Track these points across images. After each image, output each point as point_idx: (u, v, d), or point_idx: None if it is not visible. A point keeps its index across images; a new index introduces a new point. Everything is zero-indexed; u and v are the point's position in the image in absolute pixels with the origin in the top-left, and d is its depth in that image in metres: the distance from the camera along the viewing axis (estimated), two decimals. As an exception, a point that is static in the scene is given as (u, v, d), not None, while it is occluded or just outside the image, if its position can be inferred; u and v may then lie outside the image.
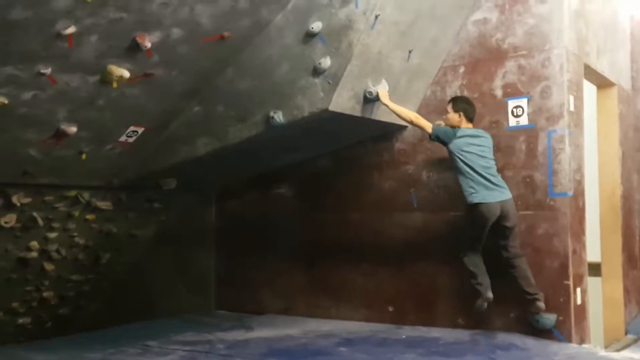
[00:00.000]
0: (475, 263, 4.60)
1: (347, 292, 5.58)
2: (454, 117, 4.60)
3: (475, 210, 4.44)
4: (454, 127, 4.56)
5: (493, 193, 4.43)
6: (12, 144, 4.27)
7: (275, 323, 5.58)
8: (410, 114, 4.65)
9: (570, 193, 4.65)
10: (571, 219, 4.65)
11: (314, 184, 5.87)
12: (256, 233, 6.19)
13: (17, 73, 3.68)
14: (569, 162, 4.65)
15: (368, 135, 5.39)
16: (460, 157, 4.47)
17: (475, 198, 4.41)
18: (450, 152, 4.52)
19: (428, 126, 4.57)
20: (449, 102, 4.70)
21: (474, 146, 4.50)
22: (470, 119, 4.63)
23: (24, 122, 4.11)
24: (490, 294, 4.55)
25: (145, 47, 3.93)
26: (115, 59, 3.98)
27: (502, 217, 4.45)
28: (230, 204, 6.43)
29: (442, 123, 4.72)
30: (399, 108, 4.63)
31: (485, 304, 4.58)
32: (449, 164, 4.78)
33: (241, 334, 5.17)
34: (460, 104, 4.64)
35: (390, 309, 5.35)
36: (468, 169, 4.45)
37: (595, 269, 5.71)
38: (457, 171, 4.51)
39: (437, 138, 4.54)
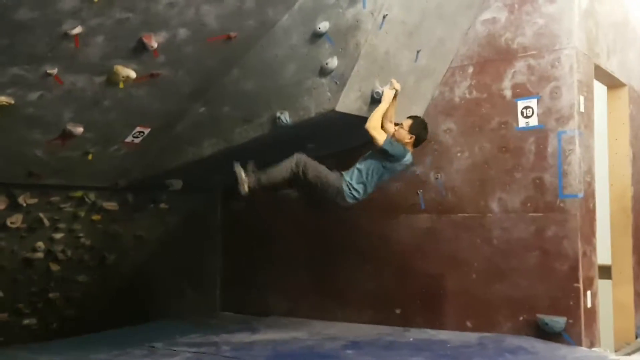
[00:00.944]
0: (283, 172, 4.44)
1: (354, 294, 5.55)
2: (405, 135, 4.46)
3: (340, 192, 4.41)
4: (398, 142, 4.43)
5: (352, 201, 4.47)
6: (19, 145, 4.26)
7: (280, 325, 5.55)
8: (372, 122, 4.37)
9: (581, 195, 4.60)
10: (581, 221, 4.60)
11: (320, 185, 5.82)
12: (262, 234, 6.16)
13: (23, 73, 3.67)
14: (579, 163, 4.60)
15: (365, 130, 5.34)
16: (383, 173, 4.46)
17: (348, 196, 4.43)
18: (382, 160, 4.40)
19: (381, 137, 4.36)
20: (409, 118, 4.55)
21: (391, 174, 4.53)
22: (416, 146, 4.55)
23: (30, 122, 4.09)
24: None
25: (152, 47, 3.91)
26: (121, 60, 3.96)
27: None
28: (236, 205, 6.40)
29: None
30: (378, 114, 4.41)
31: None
32: (457, 165, 4.75)
33: (247, 336, 5.14)
34: (418, 127, 4.49)
35: (397, 311, 5.30)
36: (372, 182, 4.44)
37: (605, 272, 5.65)
38: (366, 171, 4.42)
39: (387, 151, 4.37)
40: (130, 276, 5.99)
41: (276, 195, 4.63)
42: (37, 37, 3.47)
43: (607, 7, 5.32)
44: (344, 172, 4.48)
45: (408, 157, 4.50)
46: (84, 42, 3.66)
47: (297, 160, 4.43)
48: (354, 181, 4.44)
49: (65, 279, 5.52)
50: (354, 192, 4.44)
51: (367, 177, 4.44)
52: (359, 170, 4.45)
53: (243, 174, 4.40)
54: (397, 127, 4.54)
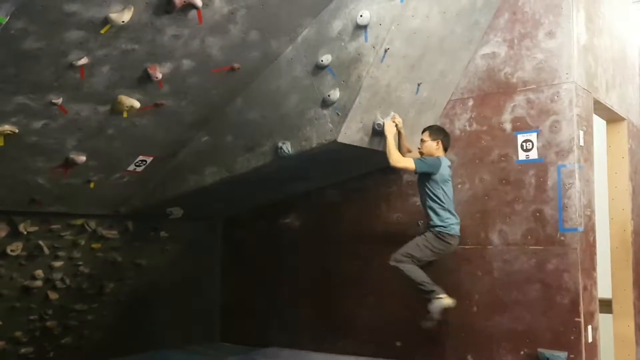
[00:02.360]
0: (416, 270, 4.44)
1: (354, 325, 5.51)
2: (431, 145, 4.55)
3: (445, 238, 4.44)
4: (431, 156, 4.52)
5: (458, 227, 4.52)
6: (21, 173, 4.27)
7: (280, 356, 5.50)
8: (393, 158, 4.45)
9: (581, 228, 4.61)
10: (582, 255, 4.59)
11: (321, 215, 5.84)
12: (262, 264, 6.14)
13: (28, 102, 3.70)
14: (579, 197, 4.62)
15: (376, 167, 5.37)
16: (444, 187, 4.47)
17: (453, 230, 4.45)
18: (430, 181, 4.45)
19: (410, 163, 4.44)
20: (424, 130, 4.65)
21: (450, 178, 4.55)
22: (446, 148, 4.62)
23: (34, 150, 4.11)
24: (442, 295, 4.40)
25: (156, 77, 3.95)
26: (126, 89, 4.00)
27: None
28: (237, 234, 6.41)
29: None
30: (392, 147, 4.48)
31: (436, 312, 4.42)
32: (458, 197, 4.75)
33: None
34: (438, 132, 4.62)
35: (398, 344, 5.26)
36: (448, 200, 4.47)
37: (606, 306, 5.63)
38: (433, 200, 4.45)
39: (425, 170, 4.44)
40: (129, 305, 5.94)
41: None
42: (43, 66, 3.51)
43: (606, 42, 5.40)
44: (442, 224, 4.45)
45: (444, 161, 4.52)
46: (90, 72, 3.70)
47: (400, 257, 4.45)
48: (440, 217, 4.43)
49: (63, 308, 5.47)
50: (448, 222, 4.43)
51: (441, 203, 4.44)
52: (430, 208, 4.47)
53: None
54: (420, 145, 4.62)
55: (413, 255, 4.45)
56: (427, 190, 4.49)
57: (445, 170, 4.51)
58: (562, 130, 4.68)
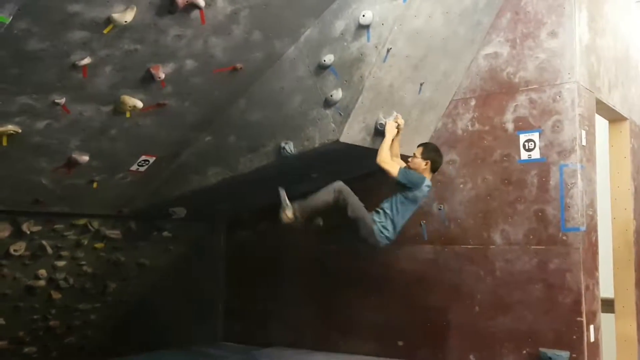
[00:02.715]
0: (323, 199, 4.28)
1: (356, 325, 5.51)
2: (420, 163, 4.43)
3: (374, 234, 4.32)
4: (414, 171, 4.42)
5: (385, 241, 4.41)
6: (24, 173, 4.29)
7: (282, 356, 5.51)
8: (381, 156, 4.37)
9: (583, 228, 4.61)
10: (584, 255, 4.59)
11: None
12: (265, 264, 6.15)
13: (31, 102, 3.71)
14: (582, 196, 4.61)
15: (378, 167, 5.37)
16: (408, 206, 4.37)
17: (382, 238, 4.36)
18: (402, 192, 4.35)
19: (394, 168, 4.34)
20: (419, 146, 4.55)
21: (419, 202, 4.44)
22: (434, 170, 4.51)
23: (37, 151, 4.13)
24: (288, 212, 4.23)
25: (159, 78, 3.96)
26: (129, 90, 4.01)
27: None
28: (240, 234, 6.41)
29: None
30: (385, 147, 4.42)
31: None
32: (460, 197, 4.76)
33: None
34: (431, 152, 4.48)
35: (400, 343, 5.26)
36: (400, 219, 4.37)
37: (608, 305, 5.62)
38: (391, 208, 4.35)
39: (403, 182, 4.32)
40: (131, 304, 5.96)
41: (310, 225, 4.51)
42: (46, 67, 3.52)
43: (609, 42, 5.39)
44: (373, 213, 4.39)
45: (427, 182, 4.39)
46: (93, 73, 3.72)
47: (338, 187, 4.29)
48: (382, 221, 4.35)
49: (66, 307, 5.49)
50: (385, 232, 4.35)
51: (392, 214, 4.35)
52: (384, 210, 4.38)
53: (287, 200, 4.26)
54: (410, 158, 4.52)
55: (344, 201, 4.26)
56: (396, 200, 4.38)
57: (421, 192, 4.38)
58: (564, 130, 4.68)
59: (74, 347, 5.76)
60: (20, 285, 5.05)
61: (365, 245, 4.45)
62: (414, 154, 4.53)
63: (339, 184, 4.32)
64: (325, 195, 4.28)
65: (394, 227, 4.39)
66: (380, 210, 4.40)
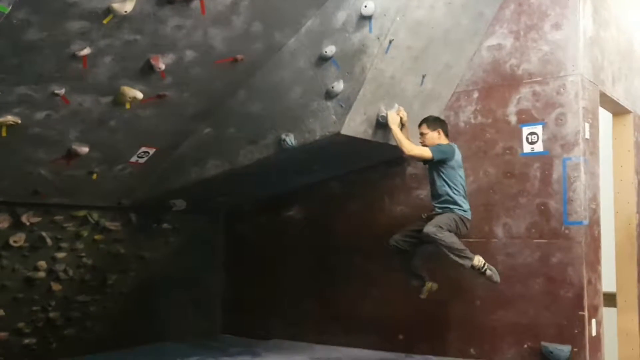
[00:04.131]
0: (453, 237, 4.33)
1: (357, 318, 5.50)
2: (433, 135, 4.50)
3: (466, 223, 4.42)
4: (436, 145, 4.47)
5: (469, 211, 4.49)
6: (23, 164, 4.26)
7: (282, 349, 5.50)
8: (406, 147, 4.41)
9: (586, 222, 4.58)
10: (586, 249, 4.57)
11: (324, 207, 5.82)
12: (265, 256, 6.13)
13: (30, 93, 3.68)
14: (584, 190, 4.58)
15: (380, 159, 5.35)
16: (459, 173, 4.45)
17: (467, 214, 4.42)
18: (446, 168, 4.39)
19: (426, 152, 4.39)
20: (421, 123, 4.58)
21: (462, 163, 4.55)
22: (447, 135, 4.59)
23: (36, 142, 4.10)
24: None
25: (159, 68, 3.93)
26: (128, 80, 3.97)
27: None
28: (240, 227, 6.39)
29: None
30: (401, 136, 4.46)
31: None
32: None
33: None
34: (435, 122, 4.57)
35: (401, 337, 5.25)
36: (462, 186, 4.46)
37: (610, 300, 5.61)
38: (450, 186, 4.39)
39: (442, 157, 4.38)
40: (131, 297, 5.94)
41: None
42: (45, 57, 3.49)
43: (612, 35, 5.35)
44: (457, 209, 4.40)
45: (455, 147, 4.51)
46: (92, 63, 3.68)
47: (427, 232, 4.30)
48: (459, 204, 4.39)
49: (66, 299, 5.47)
50: (467, 208, 4.43)
51: (457, 189, 4.40)
52: (448, 194, 4.39)
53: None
54: (420, 139, 4.55)
55: (448, 226, 4.32)
56: (443, 177, 4.41)
57: (458, 155, 4.49)
58: (567, 122, 4.64)
59: (74, 339, 5.73)
60: (19, 277, 5.03)
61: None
62: (421, 132, 4.56)
63: (435, 229, 4.29)
64: (450, 237, 4.28)
65: (465, 197, 4.44)
66: (449, 197, 4.38)
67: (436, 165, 4.43)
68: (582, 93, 4.64)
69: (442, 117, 5.05)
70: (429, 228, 4.26)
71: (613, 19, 5.39)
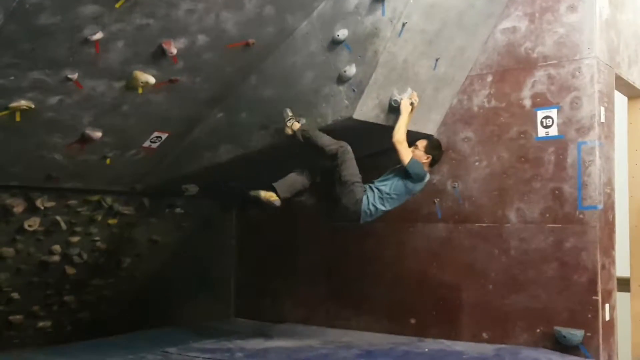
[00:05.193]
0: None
1: (368, 303, 5.52)
2: (421, 156, 4.49)
3: (357, 204, 4.36)
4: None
5: (366, 216, 4.44)
6: (38, 149, 4.28)
7: (295, 332, 5.53)
8: (399, 136, 4.38)
9: (600, 206, 4.55)
10: (600, 233, 4.54)
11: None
12: (277, 241, 6.15)
13: (43, 78, 3.69)
14: (599, 174, 4.54)
15: (392, 144, 5.31)
16: (405, 196, 4.47)
17: (364, 214, 4.41)
18: (402, 179, 4.40)
19: (407, 155, 4.37)
20: (426, 139, 4.61)
21: (409, 195, 4.54)
22: (431, 166, 4.58)
23: (50, 126, 4.12)
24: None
25: (171, 53, 3.92)
26: (140, 65, 3.97)
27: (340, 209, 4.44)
28: (252, 211, 6.40)
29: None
30: (403, 126, 4.42)
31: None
32: (475, 175, 4.73)
33: (261, 343, 5.13)
34: (434, 149, 4.57)
35: (412, 321, 5.26)
36: (392, 202, 4.44)
37: (623, 285, 5.58)
38: (387, 190, 4.41)
39: (411, 171, 4.37)
40: (145, 280, 6.00)
41: (294, 199, 4.62)
42: (58, 42, 3.49)
43: (629, 17, 5.27)
44: (367, 186, 4.44)
45: (427, 177, 4.53)
46: (104, 48, 3.68)
47: (345, 146, 4.38)
48: (376, 199, 4.40)
49: (80, 282, 5.53)
50: (372, 209, 4.40)
51: (387, 196, 4.42)
52: (379, 189, 4.44)
53: (290, 115, 4.49)
54: (412, 149, 4.50)
55: (346, 158, 4.36)
56: (395, 180, 4.44)
57: (420, 186, 4.52)
58: (582, 106, 4.59)
59: (88, 322, 5.81)
60: (34, 261, 5.09)
61: (340, 219, 4.57)
62: (417, 145, 4.54)
63: (347, 145, 4.39)
64: (329, 141, 4.39)
65: (384, 209, 4.46)
66: (375, 190, 4.44)
67: (402, 171, 4.42)
68: (598, 76, 4.59)
69: (455, 101, 5.03)
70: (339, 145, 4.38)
71: (629, 1, 5.30)
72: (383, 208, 4.44)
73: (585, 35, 4.62)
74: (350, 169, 4.37)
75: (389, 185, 4.44)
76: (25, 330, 5.44)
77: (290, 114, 4.53)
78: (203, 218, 6.16)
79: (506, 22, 4.93)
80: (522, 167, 4.80)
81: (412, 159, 4.38)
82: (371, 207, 4.40)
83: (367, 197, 4.39)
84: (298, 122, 4.51)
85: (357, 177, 4.40)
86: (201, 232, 6.20)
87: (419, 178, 4.44)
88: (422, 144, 4.55)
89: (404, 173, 4.41)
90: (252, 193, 4.42)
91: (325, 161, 4.43)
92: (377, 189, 4.45)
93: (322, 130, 4.52)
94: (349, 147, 4.39)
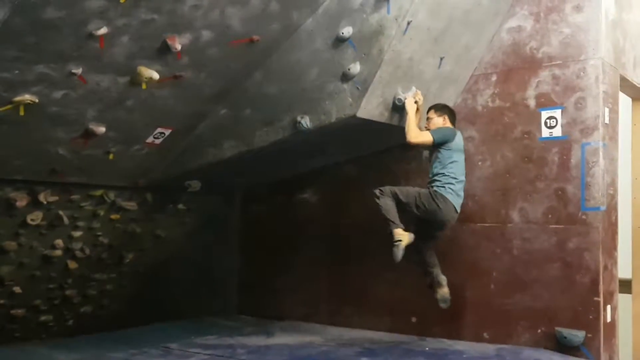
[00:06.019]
0: (390, 206, 4.43)
1: (370, 300, 5.51)
2: (438, 120, 4.56)
3: (437, 199, 4.38)
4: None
5: (458, 200, 4.47)
6: (42, 143, 4.29)
7: (296, 329, 5.54)
8: (412, 135, 4.42)
9: (603, 207, 4.54)
10: (603, 234, 4.53)
11: (339, 190, 5.81)
12: (279, 238, 6.15)
13: (48, 72, 3.69)
14: (603, 175, 4.53)
15: (395, 142, 5.29)
16: (457, 156, 4.48)
17: (448, 194, 4.40)
18: (444, 150, 4.43)
19: (427, 136, 4.43)
20: (430, 109, 4.64)
21: (464, 149, 4.58)
22: (452, 122, 4.61)
23: (54, 121, 4.12)
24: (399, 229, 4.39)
25: (176, 49, 3.92)
26: (145, 60, 3.97)
27: (444, 223, 4.52)
28: (255, 208, 6.41)
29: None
30: (412, 124, 4.44)
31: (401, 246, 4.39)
32: (479, 174, 4.71)
33: (262, 340, 5.13)
34: (443, 108, 4.63)
35: (414, 319, 5.26)
36: (458, 170, 4.46)
37: (625, 286, 5.57)
38: (443, 166, 4.42)
39: (441, 139, 4.42)
40: (147, 276, 6.00)
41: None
42: (63, 36, 3.49)
43: (635, 17, 5.25)
44: (432, 187, 4.44)
45: (457, 132, 4.55)
46: (109, 43, 3.68)
47: (382, 191, 4.46)
48: (441, 181, 4.41)
49: (82, 277, 5.54)
50: (448, 187, 4.40)
51: (448, 171, 4.42)
52: (438, 173, 4.44)
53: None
54: (426, 123, 4.61)
55: (397, 195, 4.43)
56: (439, 157, 4.45)
57: (459, 139, 4.54)
58: (587, 107, 4.58)
59: (90, 316, 5.82)
60: (37, 255, 5.10)
61: (443, 225, 4.55)
62: (428, 117, 4.62)
63: (378, 190, 4.46)
64: (385, 203, 4.42)
65: (456, 182, 4.44)
66: (436, 181, 4.44)
67: (436, 147, 4.47)
68: (603, 77, 4.57)
69: (460, 100, 5.03)
70: (377, 189, 4.46)
71: (636, 1, 5.28)
72: (457, 181, 4.43)
73: (590, 36, 4.60)
74: (401, 191, 4.46)
75: (438, 165, 4.44)
76: (27, 324, 5.45)
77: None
78: (206, 214, 6.17)
79: (512, 21, 4.92)
80: (526, 167, 4.79)
81: (432, 132, 4.45)
82: (448, 187, 4.40)
83: (444, 189, 4.39)
84: None
85: (416, 192, 4.46)
86: (204, 228, 6.21)
87: (450, 136, 4.46)
88: (431, 114, 4.61)
89: (439, 145, 4.44)
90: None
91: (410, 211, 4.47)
92: (436, 179, 4.43)
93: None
94: (383, 188, 4.47)
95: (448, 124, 4.57)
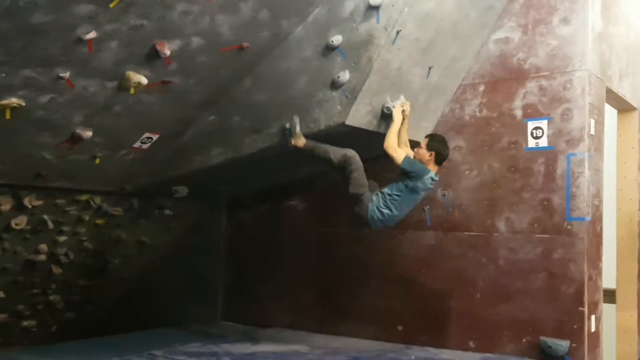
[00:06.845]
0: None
1: (356, 309, 5.51)
2: (424, 154, 4.36)
3: (363, 205, 4.37)
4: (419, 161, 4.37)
5: (376, 222, 4.41)
6: (27, 147, 4.25)
7: (282, 337, 5.51)
8: (388, 142, 4.35)
9: (588, 218, 4.58)
10: (588, 245, 4.57)
11: (326, 198, 5.81)
12: (266, 245, 6.14)
13: (35, 76, 3.66)
14: (588, 186, 4.58)
15: (383, 151, 5.32)
16: (408, 195, 4.33)
17: (372, 222, 4.38)
18: (404, 181, 4.32)
19: (400, 156, 4.31)
20: (426, 137, 4.51)
21: (422, 193, 4.40)
22: (439, 163, 4.42)
23: (40, 125, 4.09)
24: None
25: (165, 54, 3.90)
26: (133, 66, 3.95)
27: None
28: (241, 215, 6.40)
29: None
30: (394, 133, 4.40)
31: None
32: (465, 183, 4.72)
33: (247, 347, 5.11)
34: (436, 143, 4.40)
35: (400, 328, 5.26)
36: (400, 207, 4.36)
37: (609, 296, 5.62)
38: (391, 191, 4.34)
39: (407, 170, 4.28)
40: (132, 282, 5.97)
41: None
42: (51, 40, 3.46)
43: (621, 31, 5.32)
44: (376, 193, 4.41)
45: (430, 174, 4.32)
46: (98, 47, 3.66)
47: (349, 156, 4.40)
48: (380, 203, 4.35)
49: (66, 282, 5.50)
50: (378, 214, 4.34)
51: (391, 199, 4.33)
52: (383, 193, 4.37)
53: (299, 128, 4.45)
54: (416, 149, 4.47)
55: (352, 167, 4.39)
56: (397, 182, 4.36)
57: (423, 184, 4.32)
58: (573, 118, 4.63)
59: (74, 322, 5.77)
60: (20, 259, 5.05)
61: (357, 223, 4.52)
62: (420, 144, 4.48)
63: (351, 154, 4.41)
64: (333, 153, 4.44)
65: (390, 213, 4.36)
66: (379, 193, 4.40)
67: (401, 172, 4.35)
68: (589, 89, 4.62)
69: (448, 109, 5.04)
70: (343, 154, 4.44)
71: (622, 15, 5.35)
72: (389, 212, 4.34)
73: (577, 48, 4.66)
74: (357, 179, 4.39)
75: (392, 188, 4.37)
76: (10, 330, 5.39)
77: (298, 123, 4.49)
78: (192, 220, 6.15)
79: (499, 32, 4.97)
80: (512, 177, 4.83)
81: (406, 157, 4.31)
82: (377, 212, 4.35)
83: (373, 203, 4.35)
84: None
85: (364, 187, 4.40)
86: (190, 234, 6.18)
87: (417, 175, 4.27)
88: (424, 142, 4.45)
89: (402, 172, 4.34)
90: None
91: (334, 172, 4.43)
92: (381, 192, 4.40)
93: (315, 136, 4.52)
94: (354, 157, 4.40)
95: (431, 163, 4.36)
